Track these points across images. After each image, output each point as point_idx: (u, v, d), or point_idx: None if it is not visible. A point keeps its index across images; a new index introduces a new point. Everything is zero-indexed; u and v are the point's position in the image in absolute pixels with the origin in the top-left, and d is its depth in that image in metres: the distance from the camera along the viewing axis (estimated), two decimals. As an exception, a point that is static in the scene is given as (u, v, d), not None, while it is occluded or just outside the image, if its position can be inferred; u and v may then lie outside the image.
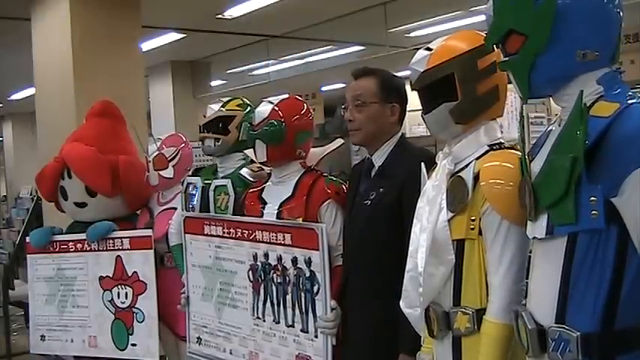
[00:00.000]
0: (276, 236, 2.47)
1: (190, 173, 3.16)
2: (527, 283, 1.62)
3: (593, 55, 1.47)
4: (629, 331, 1.38)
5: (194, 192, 2.95)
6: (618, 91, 1.46)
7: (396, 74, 2.39)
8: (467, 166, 1.79)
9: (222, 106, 2.97)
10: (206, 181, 2.92)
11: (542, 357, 1.48)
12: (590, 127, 1.36)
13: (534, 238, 1.55)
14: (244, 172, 2.88)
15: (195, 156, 3.48)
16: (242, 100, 3.03)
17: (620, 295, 1.38)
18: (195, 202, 2.94)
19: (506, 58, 1.57)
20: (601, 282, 1.39)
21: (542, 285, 1.50)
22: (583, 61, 1.47)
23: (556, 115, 1.65)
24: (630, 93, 1.45)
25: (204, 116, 2.98)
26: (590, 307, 1.40)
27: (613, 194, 1.36)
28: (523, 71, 1.52)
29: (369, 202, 2.25)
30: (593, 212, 1.37)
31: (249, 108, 2.96)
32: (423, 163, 1.97)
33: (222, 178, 2.89)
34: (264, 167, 2.79)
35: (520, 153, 1.76)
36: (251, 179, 2.84)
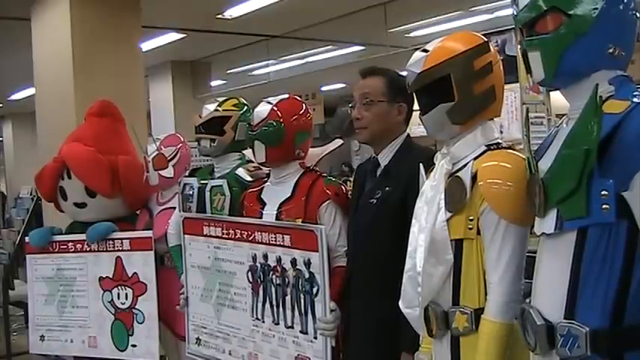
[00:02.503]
0: (276, 237, 2.47)
1: (187, 174, 3.14)
2: (531, 280, 1.61)
3: (621, 53, 1.48)
4: (637, 327, 1.38)
5: (190, 192, 2.94)
6: (626, 90, 1.47)
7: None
8: (465, 166, 1.79)
9: (217, 106, 2.94)
10: (202, 182, 2.92)
11: (549, 353, 1.48)
12: (602, 123, 1.37)
13: (542, 234, 1.54)
14: (240, 171, 2.87)
15: (193, 156, 3.47)
16: (238, 99, 3.01)
17: (630, 291, 1.38)
18: (192, 203, 2.93)
19: (535, 37, 1.52)
20: (610, 278, 1.39)
21: (551, 281, 1.50)
22: (610, 57, 1.47)
23: (558, 115, 1.64)
24: (636, 92, 1.45)
25: (200, 116, 2.96)
26: (600, 302, 1.40)
27: (624, 188, 1.36)
28: (555, 52, 1.48)
29: (375, 202, 2.25)
30: (605, 206, 1.37)
31: (245, 108, 2.95)
32: (421, 164, 1.97)
33: (219, 178, 2.88)
34: (261, 167, 2.79)
35: (519, 153, 1.76)
36: (247, 179, 2.83)
